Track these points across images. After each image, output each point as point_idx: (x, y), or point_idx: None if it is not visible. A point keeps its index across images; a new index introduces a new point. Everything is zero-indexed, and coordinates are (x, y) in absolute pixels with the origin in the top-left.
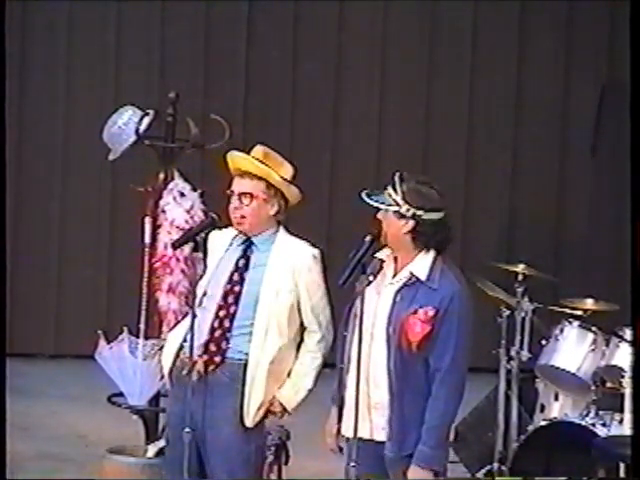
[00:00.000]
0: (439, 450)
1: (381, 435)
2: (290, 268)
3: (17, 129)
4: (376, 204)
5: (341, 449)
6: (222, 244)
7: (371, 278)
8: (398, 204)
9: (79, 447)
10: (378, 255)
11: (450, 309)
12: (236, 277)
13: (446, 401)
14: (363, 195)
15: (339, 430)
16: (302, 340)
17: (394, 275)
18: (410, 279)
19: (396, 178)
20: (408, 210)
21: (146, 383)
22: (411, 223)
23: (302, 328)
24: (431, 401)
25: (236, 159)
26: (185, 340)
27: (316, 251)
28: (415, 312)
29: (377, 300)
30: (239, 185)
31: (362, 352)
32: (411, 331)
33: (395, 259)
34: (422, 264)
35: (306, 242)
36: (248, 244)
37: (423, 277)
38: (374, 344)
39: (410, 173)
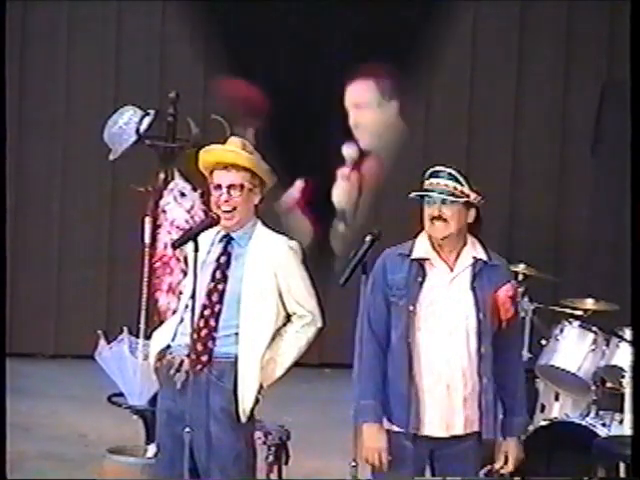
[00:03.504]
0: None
1: (473, 427)
2: (269, 265)
3: (17, 129)
4: (452, 198)
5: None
6: (205, 243)
7: (420, 279)
8: (467, 195)
9: (79, 447)
10: (419, 255)
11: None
12: (218, 275)
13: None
14: (415, 195)
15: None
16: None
17: (450, 268)
18: (475, 264)
19: (452, 171)
20: (475, 198)
21: (146, 383)
22: (473, 211)
23: (288, 317)
24: (515, 371)
25: (220, 152)
26: (173, 340)
27: (293, 242)
28: (496, 291)
29: (446, 295)
30: (226, 178)
31: (439, 350)
32: (504, 309)
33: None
34: (477, 247)
35: (283, 235)
36: (227, 240)
37: (485, 258)
38: (451, 339)
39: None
